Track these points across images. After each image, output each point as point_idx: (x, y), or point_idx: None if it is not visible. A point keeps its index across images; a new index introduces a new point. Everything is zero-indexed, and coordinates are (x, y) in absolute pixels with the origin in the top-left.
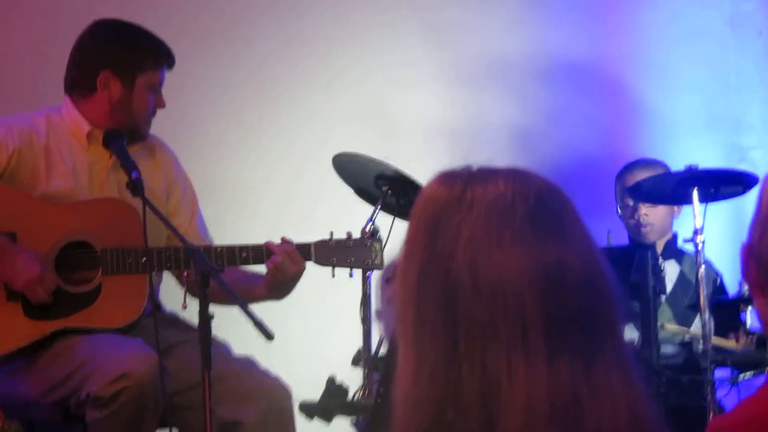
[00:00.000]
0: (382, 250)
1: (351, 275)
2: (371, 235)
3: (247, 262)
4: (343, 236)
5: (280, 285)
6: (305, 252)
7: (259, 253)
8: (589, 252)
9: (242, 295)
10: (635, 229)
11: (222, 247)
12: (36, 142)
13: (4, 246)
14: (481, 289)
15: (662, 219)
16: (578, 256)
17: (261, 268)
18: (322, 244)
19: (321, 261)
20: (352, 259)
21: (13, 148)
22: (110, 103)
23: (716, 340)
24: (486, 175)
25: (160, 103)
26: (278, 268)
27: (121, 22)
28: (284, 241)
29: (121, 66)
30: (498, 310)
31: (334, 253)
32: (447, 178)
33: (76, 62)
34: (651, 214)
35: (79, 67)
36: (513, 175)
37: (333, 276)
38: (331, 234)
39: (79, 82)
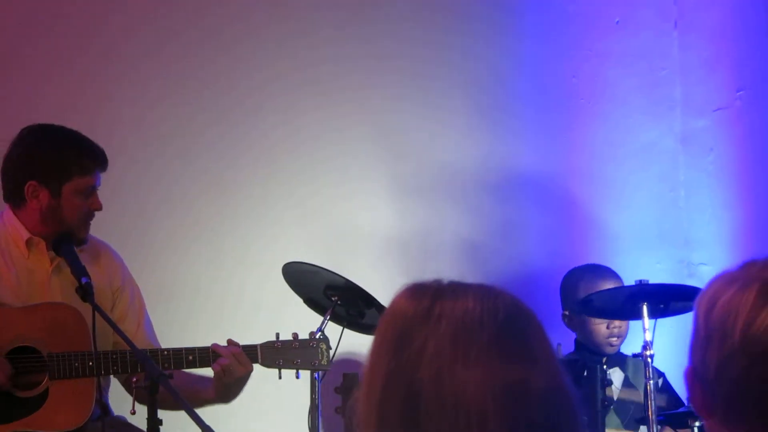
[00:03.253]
0: (328, 350)
1: (298, 377)
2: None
3: (193, 364)
4: (289, 338)
5: (228, 387)
6: (252, 354)
7: (206, 355)
8: (553, 371)
9: (190, 399)
10: (605, 341)
11: (168, 350)
12: None
13: None
14: (445, 403)
15: (627, 329)
16: (543, 376)
17: (208, 371)
18: (268, 346)
19: (268, 363)
20: (299, 360)
21: None
22: (40, 212)
23: None
24: (455, 289)
25: (94, 206)
26: (225, 371)
27: (49, 129)
28: (230, 343)
29: (47, 175)
30: (461, 424)
31: (280, 354)
32: (415, 292)
33: (5, 173)
34: (624, 327)
35: (8, 178)
36: (482, 291)
37: (280, 378)
38: (277, 335)
39: (10, 192)
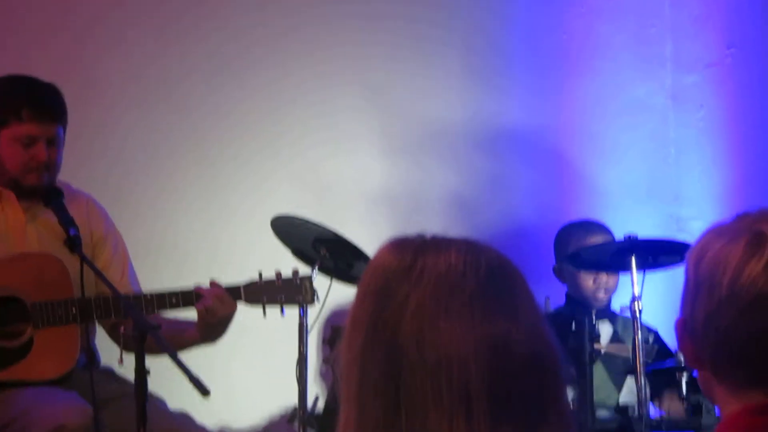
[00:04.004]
0: (312, 286)
1: (282, 314)
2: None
3: (176, 306)
4: (272, 276)
5: (212, 328)
6: (235, 293)
7: (189, 297)
8: (536, 327)
9: (175, 342)
10: (592, 294)
11: (152, 294)
12: None
13: None
14: (426, 358)
15: (617, 284)
16: (526, 331)
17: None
18: (251, 284)
19: (251, 300)
20: (283, 297)
21: None
22: None
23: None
24: (438, 244)
25: (37, 157)
26: (208, 311)
27: (5, 76)
28: (213, 284)
29: None
30: (442, 380)
31: (263, 292)
32: (398, 246)
33: None
34: (611, 281)
35: None
36: (465, 246)
37: (264, 316)
38: (260, 274)
39: None
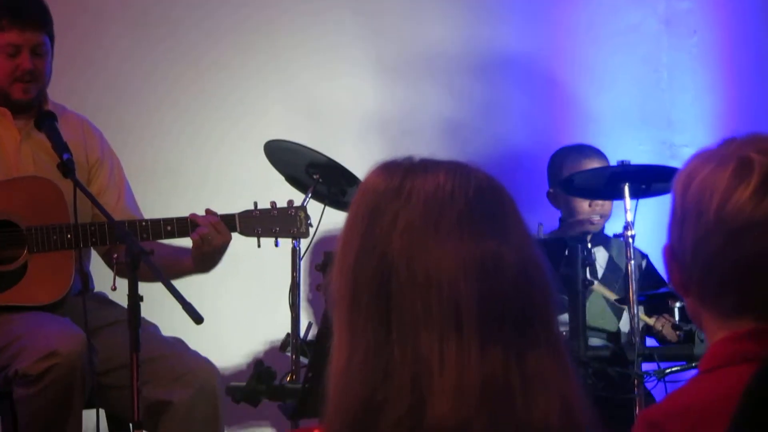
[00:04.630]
0: (307, 217)
1: (277, 244)
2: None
3: (172, 235)
4: (268, 206)
5: (207, 257)
6: (230, 222)
7: (184, 225)
8: (526, 248)
9: (169, 270)
10: (588, 218)
11: (147, 221)
12: None
13: None
14: (416, 277)
15: (611, 209)
16: (515, 251)
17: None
18: (246, 214)
19: (246, 231)
20: (277, 228)
21: None
22: None
23: (643, 317)
24: (427, 166)
25: (22, 66)
26: (203, 240)
27: None
28: (209, 212)
29: None
30: (432, 298)
31: (258, 222)
32: (387, 168)
33: None
34: (607, 206)
35: None
36: (454, 167)
37: (259, 246)
38: (255, 204)
39: None
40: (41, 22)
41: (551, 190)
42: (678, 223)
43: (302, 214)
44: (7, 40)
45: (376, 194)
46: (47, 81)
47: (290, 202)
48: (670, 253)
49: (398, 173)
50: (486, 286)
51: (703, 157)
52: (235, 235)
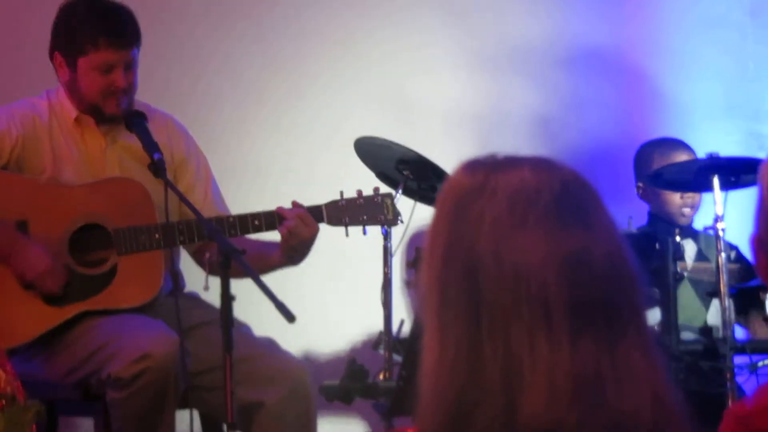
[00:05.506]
0: (394, 204)
1: (365, 233)
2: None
3: (259, 229)
4: (354, 195)
5: (295, 250)
6: (317, 214)
7: (271, 219)
8: (613, 241)
9: (258, 265)
10: (679, 211)
11: (234, 217)
12: (39, 125)
13: (15, 239)
14: (504, 273)
15: (701, 201)
16: (603, 245)
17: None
18: (333, 205)
19: (333, 221)
20: (365, 216)
21: (17, 135)
22: (66, 85)
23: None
24: (510, 163)
25: (116, 83)
26: (291, 233)
27: (79, 2)
28: (295, 205)
29: (65, 48)
30: (521, 294)
31: (345, 212)
32: (471, 166)
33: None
34: (696, 198)
35: (49, 49)
36: (538, 163)
37: (347, 235)
38: (341, 194)
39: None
40: (134, 37)
41: (640, 184)
42: (765, 213)
43: (389, 201)
44: (103, 59)
45: (460, 192)
46: (136, 89)
47: (376, 189)
48: (758, 242)
49: (482, 171)
50: (574, 280)
51: None
52: (324, 232)
